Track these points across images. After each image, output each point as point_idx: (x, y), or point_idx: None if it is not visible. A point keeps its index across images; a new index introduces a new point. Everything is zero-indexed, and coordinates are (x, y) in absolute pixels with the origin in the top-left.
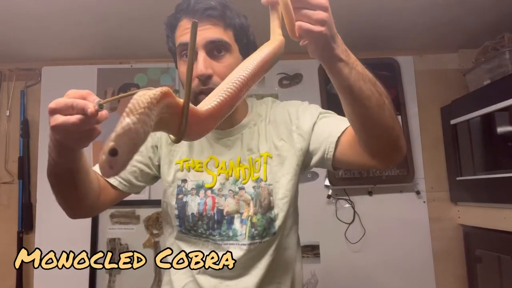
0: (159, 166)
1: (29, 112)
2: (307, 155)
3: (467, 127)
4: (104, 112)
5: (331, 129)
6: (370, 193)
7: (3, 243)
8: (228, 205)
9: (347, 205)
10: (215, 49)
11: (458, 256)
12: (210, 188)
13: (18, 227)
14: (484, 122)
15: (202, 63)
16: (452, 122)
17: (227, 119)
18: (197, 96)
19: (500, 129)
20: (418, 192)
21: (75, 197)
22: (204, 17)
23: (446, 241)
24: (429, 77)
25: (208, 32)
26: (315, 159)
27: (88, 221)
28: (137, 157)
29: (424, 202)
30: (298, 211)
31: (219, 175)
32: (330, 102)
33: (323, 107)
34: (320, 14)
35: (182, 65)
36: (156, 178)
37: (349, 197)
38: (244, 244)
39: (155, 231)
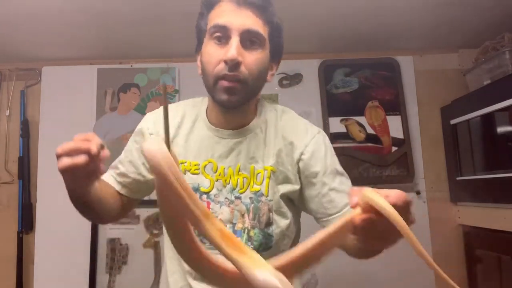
0: None
1: (29, 112)
2: (300, 191)
3: (467, 127)
4: (106, 153)
5: (337, 207)
6: None
7: (3, 243)
8: (222, 213)
9: None
10: (250, 39)
11: (458, 256)
12: (207, 193)
13: (18, 227)
14: (484, 122)
15: (235, 49)
16: (452, 122)
17: (234, 118)
18: (218, 81)
19: (500, 129)
20: (418, 192)
21: (95, 217)
22: (247, 4)
23: (446, 241)
24: (429, 77)
25: (248, 21)
26: (305, 207)
27: (88, 222)
28: (129, 168)
29: (424, 202)
30: (300, 224)
31: (217, 180)
32: (330, 102)
33: (323, 107)
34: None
35: (210, 46)
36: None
37: None
38: None
39: (155, 231)
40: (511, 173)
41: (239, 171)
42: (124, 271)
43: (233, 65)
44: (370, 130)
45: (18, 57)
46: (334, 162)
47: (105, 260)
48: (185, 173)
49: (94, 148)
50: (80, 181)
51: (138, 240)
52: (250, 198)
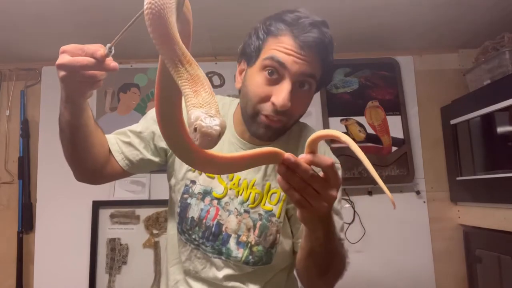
0: (165, 152)
1: (29, 112)
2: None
3: (467, 127)
4: (112, 62)
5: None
6: (370, 193)
7: (3, 243)
8: (230, 222)
9: (347, 205)
10: (301, 81)
11: (458, 256)
12: (218, 199)
13: (18, 227)
14: (484, 122)
15: (287, 95)
16: (452, 122)
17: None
18: (259, 115)
19: (500, 129)
20: (418, 192)
21: (74, 157)
22: (309, 49)
23: (446, 241)
24: (429, 77)
25: (305, 65)
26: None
27: (88, 221)
28: (139, 142)
29: (424, 202)
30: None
31: (230, 189)
32: (330, 102)
33: (323, 107)
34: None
35: (260, 77)
36: (159, 165)
37: (349, 197)
38: (236, 266)
39: (155, 231)
40: (511, 173)
41: (253, 185)
42: (124, 271)
43: (281, 111)
44: (370, 130)
45: (18, 57)
46: (338, 199)
47: (105, 260)
48: (200, 174)
49: (101, 50)
50: (73, 85)
51: (138, 240)
52: (260, 214)
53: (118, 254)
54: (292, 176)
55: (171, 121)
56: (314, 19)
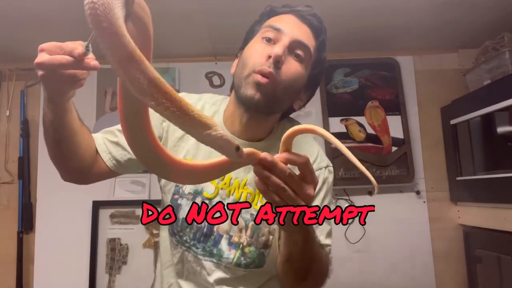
0: None
1: (29, 112)
2: None
3: (467, 127)
4: (92, 61)
5: None
6: (370, 193)
7: (3, 243)
8: None
9: (347, 205)
10: (296, 50)
11: (458, 256)
12: (209, 199)
13: (18, 227)
14: (484, 122)
15: (282, 47)
16: (452, 122)
17: (251, 129)
18: (252, 74)
19: (500, 129)
20: (418, 192)
21: (59, 156)
22: (307, 22)
23: (446, 241)
24: (429, 77)
25: (303, 34)
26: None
27: (88, 221)
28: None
29: (424, 202)
30: None
31: (221, 189)
32: (330, 102)
33: (323, 107)
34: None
35: (257, 44)
36: None
37: (349, 197)
38: (227, 268)
39: (155, 231)
40: (511, 173)
41: (245, 184)
42: (124, 271)
43: (276, 62)
44: (370, 130)
45: (18, 57)
46: (327, 203)
47: (105, 260)
48: None
49: (79, 49)
50: (52, 84)
51: (138, 240)
52: (251, 215)
53: (118, 254)
54: (269, 176)
55: (139, 134)
56: (312, 11)
